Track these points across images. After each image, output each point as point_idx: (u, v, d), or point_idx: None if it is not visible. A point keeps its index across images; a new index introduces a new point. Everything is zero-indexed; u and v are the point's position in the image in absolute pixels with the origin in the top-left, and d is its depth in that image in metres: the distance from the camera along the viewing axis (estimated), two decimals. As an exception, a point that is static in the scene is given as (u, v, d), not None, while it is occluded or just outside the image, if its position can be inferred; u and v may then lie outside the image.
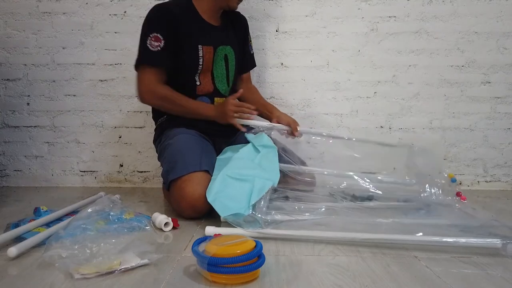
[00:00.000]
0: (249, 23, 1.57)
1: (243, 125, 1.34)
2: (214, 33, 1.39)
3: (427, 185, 1.27)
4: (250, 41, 1.56)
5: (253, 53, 1.58)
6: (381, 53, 1.73)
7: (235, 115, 1.28)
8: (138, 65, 1.33)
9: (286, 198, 1.21)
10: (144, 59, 1.31)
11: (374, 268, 0.83)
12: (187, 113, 1.34)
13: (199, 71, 1.36)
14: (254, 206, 1.10)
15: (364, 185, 1.29)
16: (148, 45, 1.29)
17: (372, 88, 1.75)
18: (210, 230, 1.01)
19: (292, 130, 1.39)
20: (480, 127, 1.77)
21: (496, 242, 0.90)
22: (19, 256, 0.88)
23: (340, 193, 1.27)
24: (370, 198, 1.30)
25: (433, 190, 1.25)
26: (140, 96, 1.34)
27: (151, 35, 1.29)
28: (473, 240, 0.92)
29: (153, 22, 1.32)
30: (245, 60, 1.55)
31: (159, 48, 1.29)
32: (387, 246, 0.96)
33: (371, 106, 1.76)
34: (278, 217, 1.09)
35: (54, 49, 1.73)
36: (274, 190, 1.19)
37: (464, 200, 1.27)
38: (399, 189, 1.35)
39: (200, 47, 1.35)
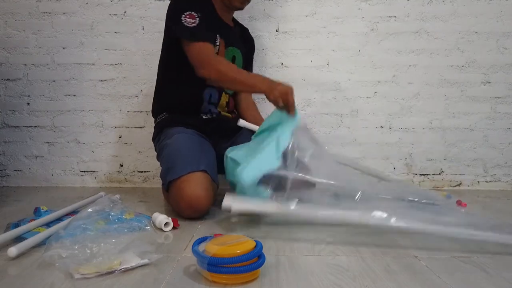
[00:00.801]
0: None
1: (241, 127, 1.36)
2: (227, 31, 1.42)
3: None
4: (253, 61, 1.63)
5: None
6: (381, 53, 1.73)
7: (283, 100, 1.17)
8: (184, 41, 1.29)
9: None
10: (192, 35, 1.27)
11: (374, 268, 0.83)
12: (243, 86, 1.29)
13: None
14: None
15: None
16: (184, 22, 1.27)
17: (372, 88, 1.75)
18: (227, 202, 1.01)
19: None
20: (480, 127, 1.77)
21: None
22: (19, 256, 0.88)
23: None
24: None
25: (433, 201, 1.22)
26: (198, 71, 1.27)
27: (185, 13, 1.28)
28: (498, 235, 0.91)
29: (184, 1, 1.31)
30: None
31: (196, 25, 1.27)
32: (388, 245, 0.96)
33: (371, 106, 1.76)
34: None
35: (54, 49, 1.73)
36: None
37: (465, 206, 1.24)
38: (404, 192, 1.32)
39: (218, 36, 1.37)
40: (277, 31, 1.72)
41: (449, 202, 1.24)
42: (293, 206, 1.00)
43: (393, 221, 0.96)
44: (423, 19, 1.71)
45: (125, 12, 1.71)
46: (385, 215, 0.97)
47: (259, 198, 1.04)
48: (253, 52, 1.63)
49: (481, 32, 1.72)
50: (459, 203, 1.25)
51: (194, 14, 1.28)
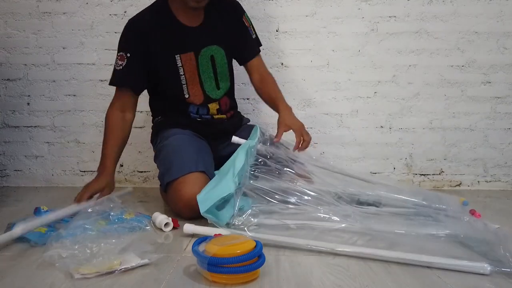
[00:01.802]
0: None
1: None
2: (194, 36, 1.31)
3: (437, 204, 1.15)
4: (250, 25, 1.42)
5: (255, 37, 1.44)
6: (381, 53, 1.73)
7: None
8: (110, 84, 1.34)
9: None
10: (111, 80, 1.32)
11: (374, 268, 0.83)
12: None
13: (184, 82, 1.31)
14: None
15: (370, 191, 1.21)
16: (115, 65, 1.30)
17: (372, 88, 1.75)
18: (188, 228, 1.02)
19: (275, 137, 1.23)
20: (480, 127, 1.77)
21: (487, 267, 0.81)
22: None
23: (345, 197, 1.17)
24: (376, 204, 1.20)
25: (443, 206, 1.14)
26: None
27: (118, 54, 1.30)
28: (459, 263, 0.83)
29: (121, 40, 1.32)
30: (247, 48, 1.43)
31: (121, 67, 1.28)
32: (388, 245, 0.96)
33: (371, 106, 1.76)
34: (266, 221, 1.05)
35: (54, 49, 1.73)
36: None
37: (479, 217, 1.13)
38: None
39: (177, 56, 1.29)
40: (277, 31, 1.72)
41: (461, 210, 1.17)
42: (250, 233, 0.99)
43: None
44: (423, 19, 1.71)
45: (125, 12, 1.71)
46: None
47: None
48: (241, 18, 1.40)
49: (481, 32, 1.71)
50: (472, 212, 1.20)
51: (124, 54, 1.28)
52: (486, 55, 1.73)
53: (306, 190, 1.13)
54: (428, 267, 0.83)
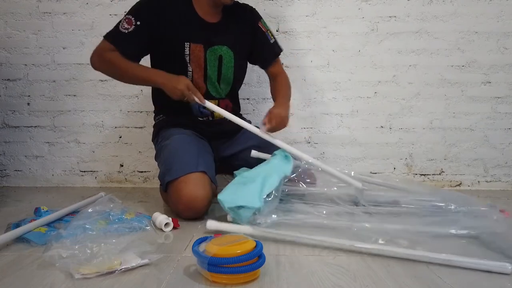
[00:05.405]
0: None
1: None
2: (208, 31, 1.31)
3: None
4: (267, 31, 1.44)
5: (274, 42, 1.45)
6: (381, 53, 1.73)
7: (185, 94, 1.21)
8: (104, 38, 1.28)
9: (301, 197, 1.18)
10: (108, 35, 1.27)
11: (375, 268, 0.83)
12: (136, 80, 1.29)
13: (189, 69, 1.31)
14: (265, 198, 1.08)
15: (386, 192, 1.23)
16: (119, 25, 1.25)
17: (372, 88, 1.75)
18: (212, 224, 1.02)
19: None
20: (480, 127, 1.77)
21: (508, 266, 0.81)
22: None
23: (363, 199, 1.18)
24: (395, 203, 1.19)
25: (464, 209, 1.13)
26: (90, 61, 1.31)
27: (126, 16, 1.26)
28: (478, 262, 0.83)
29: (135, 6, 1.28)
30: (265, 53, 1.45)
31: (126, 31, 1.24)
32: (388, 245, 0.96)
33: (371, 106, 1.76)
34: (287, 220, 1.07)
35: (54, 49, 1.73)
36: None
37: (508, 215, 1.13)
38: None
39: (187, 44, 1.29)
40: (277, 31, 1.72)
41: (490, 209, 1.11)
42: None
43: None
44: (423, 19, 1.71)
45: (125, 12, 1.69)
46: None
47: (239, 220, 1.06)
48: (256, 24, 1.41)
49: (481, 32, 1.72)
50: (502, 211, 1.19)
51: (133, 20, 1.24)
52: (486, 55, 1.73)
53: (326, 192, 1.17)
54: (425, 261, 0.84)
